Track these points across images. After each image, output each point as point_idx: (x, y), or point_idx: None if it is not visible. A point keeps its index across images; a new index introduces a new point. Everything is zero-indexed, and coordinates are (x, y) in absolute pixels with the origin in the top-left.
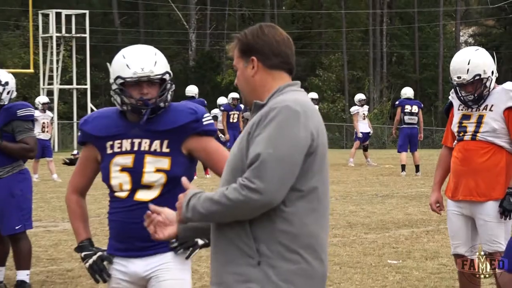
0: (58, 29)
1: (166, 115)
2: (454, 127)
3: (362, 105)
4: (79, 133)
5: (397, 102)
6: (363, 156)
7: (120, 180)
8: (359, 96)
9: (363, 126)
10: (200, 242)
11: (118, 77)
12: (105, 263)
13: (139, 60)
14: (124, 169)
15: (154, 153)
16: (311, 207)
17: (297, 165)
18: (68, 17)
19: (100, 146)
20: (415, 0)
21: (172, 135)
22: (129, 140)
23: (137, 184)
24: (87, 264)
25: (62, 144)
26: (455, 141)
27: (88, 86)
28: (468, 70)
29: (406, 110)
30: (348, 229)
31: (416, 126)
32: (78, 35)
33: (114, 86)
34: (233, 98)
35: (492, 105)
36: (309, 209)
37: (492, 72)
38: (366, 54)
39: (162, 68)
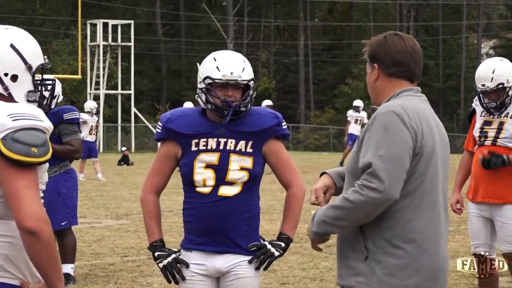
0: (105, 38)
1: (250, 118)
2: (476, 132)
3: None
4: (160, 130)
5: None
6: None
7: (204, 176)
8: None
9: None
10: (276, 253)
11: (207, 77)
12: (179, 265)
13: (229, 65)
14: (209, 166)
15: (239, 153)
16: (415, 204)
17: (406, 163)
18: (115, 27)
19: (184, 143)
20: (440, 13)
21: (256, 136)
22: (215, 139)
23: (221, 180)
24: (161, 265)
25: (107, 146)
26: (476, 146)
27: (132, 92)
28: (492, 78)
29: None
30: None
31: None
32: (124, 43)
33: (201, 85)
34: (267, 105)
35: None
36: (414, 207)
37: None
38: None
39: (249, 75)
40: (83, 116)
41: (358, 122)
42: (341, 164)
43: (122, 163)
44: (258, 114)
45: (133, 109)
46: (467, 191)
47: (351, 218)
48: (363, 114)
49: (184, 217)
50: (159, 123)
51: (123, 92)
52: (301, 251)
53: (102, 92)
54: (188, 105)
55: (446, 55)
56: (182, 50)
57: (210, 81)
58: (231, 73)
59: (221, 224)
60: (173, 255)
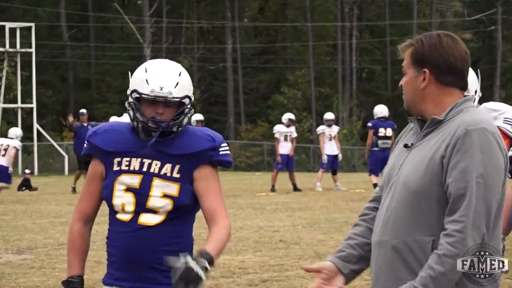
0: (2, 44)
1: (181, 139)
2: None
3: (329, 125)
4: (86, 145)
5: (370, 124)
6: (332, 180)
7: (124, 200)
8: (326, 116)
9: (329, 148)
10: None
11: (134, 90)
12: None
13: (160, 78)
14: (129, 189)
15: (163, 177)
16: (498, 233)
17: (500, 192)
18: (13, 30)
19: (106, 161)
20: (387, 12)
21: (185, 160)
22: (139, 159)
23: (141, 207)
24: None
25: None
26: None
27: (34, 105)
28: None
29: (380, 134)
30: (317, 260)
31: (389, 148)
32: (23, 50)
33: (129, 99)
34: (197, 121)
35: None
36: (497, 235)
37: (476, 92)
38: (334, 70)
39: (183, 91)
40: None
41: (288, 139)
42: (273, 189)
43: (24, 188)
44: (191, 135)
45: (36, 125)
46: None
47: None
48: (292, 128)
49: (106, 247)
50: (86, 137)
51: (24, 105)
52: (233, 287)
53: None
54: (114, 119)
55: (394, 59)
56: (91, 57)
57: (137, 95)
58: (161, 89)
59: (141, 257)
60: None
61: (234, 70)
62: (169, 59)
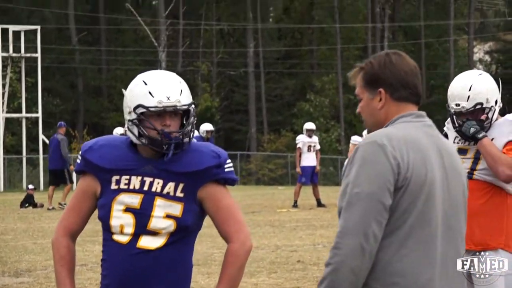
0: (5, 48)
1: (184, 155)
2: None
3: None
4: (79, 161)
5: None
6: None
7: (122, 221)
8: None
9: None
10: None
11: (139, 105)
12: None
13: (164, 88)
14: (128, 209)
15: (166, 197)
16: (399, 243)
17: (385, 200)
18: (17, 33)
19: (103, 179)
20: (422, 11)
21: (189, 178)
22: (139, 178)
23: (142, 228)
24: None
25: (9, 183)
26: None
27: (39, 115)
28: (468, 97)
29: None
30: None
31: None
32: (29, 54)
33: (132, 116)
34: (206, 131)
35: (492, 139)
36: (397, 246)
37: (496, 102)
38: None
39: (188, 98)
40: None
41: (312, 149)
42: (295, 205)
43: (27, 204)
44: (195, 151)
45: (42, 137)
46: None
47: (347, 275)
48: (315, 139)
49: (101, 270)
50: (80, 152)
51: (29, 115)
52: None
53: (2, 115)
54: (118, 131)
55: (430, 63)
56: (102, 62)
57: (144, 110)
58: (168, 98)
59: (139, 283)
60: None
61: (256, 75)
62: (185, 64)
